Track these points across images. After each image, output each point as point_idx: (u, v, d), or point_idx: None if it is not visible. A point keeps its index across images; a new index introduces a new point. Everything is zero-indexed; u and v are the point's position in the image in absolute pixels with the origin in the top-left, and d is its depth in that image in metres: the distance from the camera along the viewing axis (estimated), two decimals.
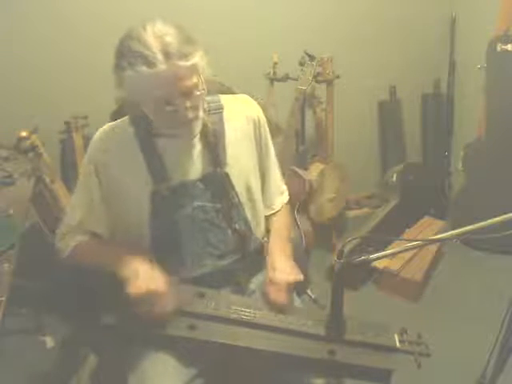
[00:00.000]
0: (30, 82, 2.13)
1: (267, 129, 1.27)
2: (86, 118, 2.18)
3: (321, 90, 2.52)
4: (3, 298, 1.15)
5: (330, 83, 2.41)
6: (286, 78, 2.39)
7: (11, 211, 1.51)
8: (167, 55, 0.94)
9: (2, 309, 1.13)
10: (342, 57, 2.39)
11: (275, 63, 2.41)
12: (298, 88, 2.18)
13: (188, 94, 1.00)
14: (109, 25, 2.18)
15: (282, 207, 1.36)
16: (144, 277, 1.04)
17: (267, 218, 1.33)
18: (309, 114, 2.60)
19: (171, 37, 0.96)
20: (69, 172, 2.28)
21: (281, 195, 1.36)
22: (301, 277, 1.15)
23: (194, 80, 1.00)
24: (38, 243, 1.91)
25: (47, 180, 1.94)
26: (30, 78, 2.13)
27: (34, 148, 1.90)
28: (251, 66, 2.43)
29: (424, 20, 2.88)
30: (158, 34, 0.95)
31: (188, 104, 1.00)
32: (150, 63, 0.93)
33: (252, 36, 2.47)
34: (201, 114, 1.07)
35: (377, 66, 2.84)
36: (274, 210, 1.34)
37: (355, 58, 2.71)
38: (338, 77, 2.40)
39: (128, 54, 0.95)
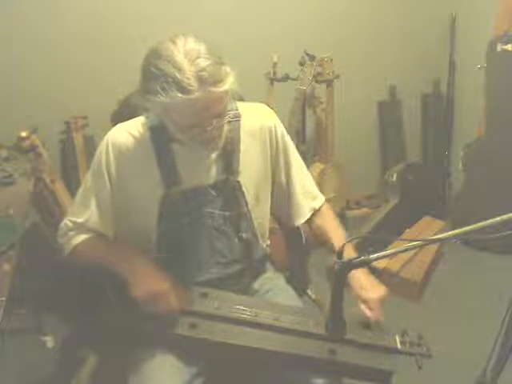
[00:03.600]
0: (30, 82, 2.13)
1: (286, 136, 1.25)
2: (85, 118, 2.18)
3: (321, 90, 2.52)
4: (3, 298, 1.15)
5: (330, 83, 2.41)
6: (286, 78, 2.39)
7: (11, 211, 1.51)
8: (202, 81, 0.91)
9: (2, 309, 1.13)
10: (342, 57, 2.39)
11: (275, 63, 2.41)
12: (298, 88, 2.18)
13: (217, 116, 0.99)
14: (109, 25, 2.19)
15: (319, 212, 1.31)
16: (147, 278, 1.04)
17: (303, 225, 1.31)
18: (309, 113, 2.60)
19: (205, 59, 0.92)
20: (69, 172, 2.28)
21: (310, 201, 1.30)
22: (387, 290, 1.13)
23: (224, 103, 0.99)
24: (38, 243, 1.92)
25: (47, 180, 1.94)
26: (29, 78, 2.13)
27: (34, 148, 1.90)
28: (251, 66, 2.43)
29: (424, 20, 2.88)
30: (191, 56, 0.92)
31: (215, 123, 1.00)
32: (184, 90, 0.90)
33: (252, 36, 2.47)
34: (224, 129, 1.07)
35: (377, 66, 2.85)
36: (303, 217, 1.29)
37: (355, 58, 2.71)
38: (337, 77, 2.40)
39: (160, 76, 0.92)
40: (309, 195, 1.30)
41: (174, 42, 0.94)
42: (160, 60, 0.93)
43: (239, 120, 1.17)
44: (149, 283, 1.03)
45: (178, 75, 0.90)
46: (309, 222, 1.31)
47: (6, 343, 1.82)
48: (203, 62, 0.92)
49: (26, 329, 1.91)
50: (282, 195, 1.28)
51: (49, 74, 2.17)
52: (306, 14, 2.59)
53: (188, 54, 0.92)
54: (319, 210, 1.31)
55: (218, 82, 0.94)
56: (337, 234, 1.26)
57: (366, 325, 1.09)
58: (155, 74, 0.93)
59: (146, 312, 1.02)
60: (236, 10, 2.43)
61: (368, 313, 1.09)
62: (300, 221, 1.30)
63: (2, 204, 1.56)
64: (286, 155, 1.26)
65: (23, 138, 1.88)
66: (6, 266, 1.28)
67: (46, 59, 2.15)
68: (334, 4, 2.65)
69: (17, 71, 2.12)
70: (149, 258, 1.11)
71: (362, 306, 1.11)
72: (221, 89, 0.94)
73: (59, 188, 1.99)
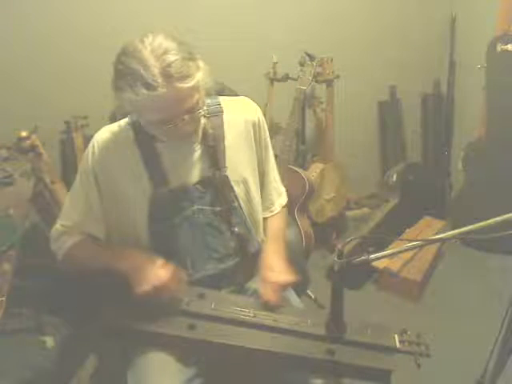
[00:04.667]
0: (30, 82, 2.13)
1: (267, 131, 1.27)
2: (86, 118, 2.18)
3: (321, 90, 2.52)
4: (3, 298, 1.15)
5: (329, 83, 2.41)
6: (286, 77, 2.39)
7: (11, 211, 1.51)
8: (168, 77, 0.91)
9: (2, 309, 1.13)
10: (342, 57, 2.39)
11: (275, 63, 2.41)
12: (298, 88, 2.18)
13: (188, 112, 0.99)
14: (109, 25, 2.18)
15: (282, 209, 1.36)
16: (147, 272, 1.04)
17: (265, 219, 1.34)
18: (309, 113, 2.60)
19: (172, 55, 0.92)
20: (69, 172, 2.28)
21: (280, 197, 1.36)
22: (294, 278, 1.16)
23: (195, 98, 0.98)
24: (38, 243, 1.91)
25: (47, 180, 1.94)
26: (30, 78, 2.13)
27: (34, 148, 1.90)
28: (251, 66, 2.43)
29: (424, 20, 2.88)
30: (158, 52, 0.92)
31: (187, 119, 1.00)
32: (149, 86, 0.90)
33: (252, 36, 2.47)
34: (200, 123, 1.07)
35: (377, 66, 2.85)
36: (273, 212, 1.34)
37: (355, 57, 2.71)
38: (337, 77, 2.40)
39: (127, 74, 0.93)
40: (278, 191, 1.36)
41: (142, 40, 0.94)
42: (128, 57, 0.93)
43: (221, 115, 1.17)
44: (150, 277, 1.03)
45: (143, 71, 0.91)
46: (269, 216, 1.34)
47: (6, 343, 1.82)
48: (170, 58, 0.92)
49: (26, 329, 1.91)
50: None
51: (49, 73, 2.17)
52: (306, 13, 2.59)
53: (155, 50, 0.92)
54: (283, 207, 1.37)
55: (185, 77, 0.93)
56: (275, 234, 1.30)
57: (266, 306, 1.11)
58: (123, 71, 0.94)
59: (150, 305, 1.02)
60: (236, 9, 2.43)
61: (265, 294, 1.12)
62: (268, 214, 1.33)
63: (2, 204, 1.55)
64: (266, 149, 1.28)
65: (23, 138, 1.88)
66: (6, 266, 1.28)
67: (46, 59, 2.15)
68: (334, 4, 2.65)
69: (17, 71, 2.11)
70: (143, 252, 1.11)
71: (262, 287, 1.13)
72: (188, 84, 0.94)
73: (59, 188, 1.99)
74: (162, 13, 2.25)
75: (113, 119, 1.20)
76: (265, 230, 1.32)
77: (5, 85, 2.08)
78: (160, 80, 0.91)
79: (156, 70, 0.91)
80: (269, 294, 1.11)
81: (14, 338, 1.86)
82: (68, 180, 2.20)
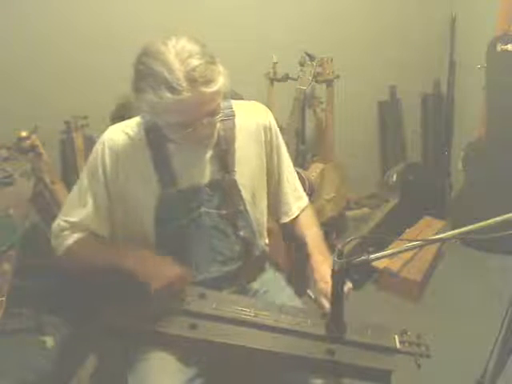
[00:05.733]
0: (30, 82, 2.13)
1: (279, 135, 1.26)
2: (86, 118, 2.18)
3: (321, 90, 2.52)
4: (3, 298, 1.15)
5: (330, 83, 2.41)
6: (286, 77, 2.39)
7: (11, 211, 1.51)
8: (192, 81, 0.91)
9: (2, 309, 1.13)
10: (342, 57, 2.39)
11: (275, 63, 2.41)
12: (298, 88, 2.18)
13: (209, 115, 0.99)
14: (109, 25, 2.18)
15: (303, 212, 1.33)
16: (159, 267, 1.04)
17: (286, 224, 1.32)
18: (309, 113, 2.59)
19: (196, 59, 0.92)
20: (69, 172, 2.28)
21: (298, 200, 1.34)
22: (351, 287, 1.13)
23: (216, 103, 0.99)
24: (38, 243, 1.91)
25: (47, 180, 1.93)
26: (30, 78, 2.13)
27: (34, 148, 1.90)
28: (251, 66, 2.43)
29: (424, 20, 2.88)
30: (182, 56, 0.91)
31: (206, 122, 1.00)
32: (174, 90, 0.90)
33: (252, 36, 2.47)
34: (217, 127, 1.07)
35: (377, 65, 2.85)
36: (290, 216, 1.32)
37: (355, 57, 2.71)
38: (337, 77, 2.40)
39: (149, 75, 0.92)
40: (296, 194, 1.33)
41: (165, 43, 0.93)
42: (150, 59, 0.93)
43: (233, 118, 1.17)
44: (164, 272, 1.03)
45: (167, 75, 0.90)
46: (292, 220, 1.33)
47: (6, 343, 1.82)
48: (194, 62, 0.91)
49: (26, 329, 1.91)
50: (272, 193, 1.30)
51: (49, 73, 2.17)
52: (306, 13, 2.59)
53: (179, 53, 0.92)
54: (303, 209, 1.34)
55: (209, 81, 0.93)
56: (313, 239, 1.27)
57: (324, 315, 1.10)
58: (145, 72, 0.93)
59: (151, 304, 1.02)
60: (236, 9, 2.43)
61: (327, 306, 1.10)
62: (287, 219, 1.32)
63: (2, 204, 1.55)
64: (279, 153, 1.27)
65: (23, 138, 1.88)
66: (6, 266, 1.28)
67: (46, 59, 2.15)
68: (334, 4, 2.65)
69: (17, 71, 2.11)
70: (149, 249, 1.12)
71: (323, 299, 1.12)
72: (212, 89, 0.94)
73: (59, 188, 1.99)
74: (162, 13, 2.25)
75: (113, 119, 1.20)
76: (291, 236, 1.31)
77: (5, 85, 2.08)
78: (185, 84, 0.90)
79: (181, 74, 0.90)
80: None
81: (14, 337, 1.86)
82: (68, 180, 2.20)
